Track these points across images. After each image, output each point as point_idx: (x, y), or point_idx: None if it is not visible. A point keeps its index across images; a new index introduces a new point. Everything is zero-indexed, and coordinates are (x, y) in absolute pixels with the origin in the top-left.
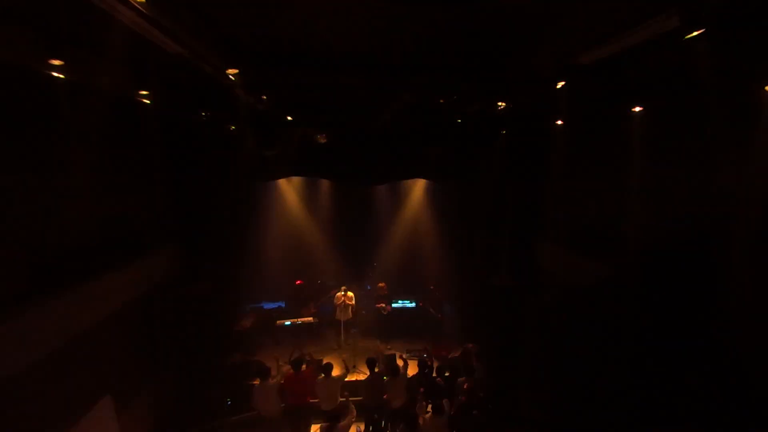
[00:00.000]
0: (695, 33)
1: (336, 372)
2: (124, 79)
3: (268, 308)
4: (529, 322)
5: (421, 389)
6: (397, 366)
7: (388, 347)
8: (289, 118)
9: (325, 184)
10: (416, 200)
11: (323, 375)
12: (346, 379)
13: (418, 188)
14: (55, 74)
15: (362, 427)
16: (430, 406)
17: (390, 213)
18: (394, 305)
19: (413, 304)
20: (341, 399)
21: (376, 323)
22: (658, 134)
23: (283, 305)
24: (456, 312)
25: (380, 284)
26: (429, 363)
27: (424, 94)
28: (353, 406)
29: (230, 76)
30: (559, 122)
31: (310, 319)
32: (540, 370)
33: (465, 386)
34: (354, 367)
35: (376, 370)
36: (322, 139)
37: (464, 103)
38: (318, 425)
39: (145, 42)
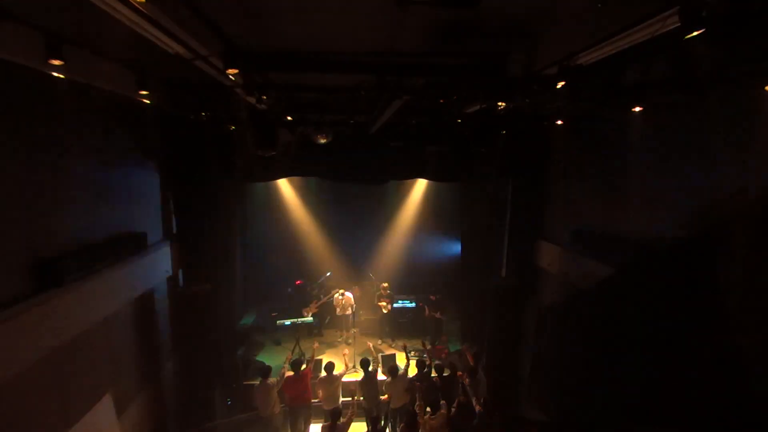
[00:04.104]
0: (695, 33)
1: (337, 371)
2: (124, 79)
3: (267, 308)
4: (529, 322)
5: (421, 389)
6: (396, 366)
7: (387, 346)
8: (289, 118)
9: (325, 184)
10: (416, 200)
11: (325, 373)
12: (345, 379)
13: (418, 188)
14: (55, 74)
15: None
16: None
17: (390, 213)
18: (394, 305)
19: (413, 304)
20: (345, 399)
21: (376, 323)
22: (658, 134)
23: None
24: (456, 312)
25: (383, 284)
26: (428, 363)
27: (424, 94)
28: (354, 403)
29: (230, 76)
30: (559, 122)
31: (310, 319)
32: (540, 370)
33: (463, 383)
34: (354, 366)
35: (370, 369)
36: (322, 139)
37: (464, 103)
38: (318, 425)
39: (145, 42)
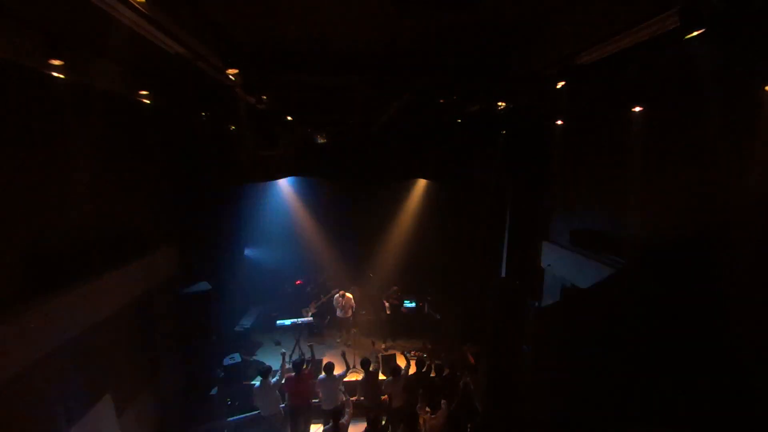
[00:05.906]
0: (695, 33)
1: (337, 371)
2: (124, 79)
3: (268, 309)
4: (529, 322)
5: (421, 389)
6: (397, 366)
7: (386, 347)
8: (289, 118)
9: (325, 184)
10: (416, 200)
11: (324, 374)
12: (345, 379)
13: (418, 188)
14: (55, 74)
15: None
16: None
17: (390, 213)
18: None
19: (413, 304)
20: (343, 399)
21: (376, 323)
22: (658, 134)
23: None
24: (456, 312)
25: (394, 287)
26: (428, 362)
27: (424, 94)
28: (351, 402)
29: (230, 76)
30: (559, 122)
31: (310, 319)
32: (540, 371)
33: (463, 383)
34: (354, 366)
35: (371, 369)
36: (322, 139)
37: (464, 103)
38: (318, 425)
39: (145, 42)
